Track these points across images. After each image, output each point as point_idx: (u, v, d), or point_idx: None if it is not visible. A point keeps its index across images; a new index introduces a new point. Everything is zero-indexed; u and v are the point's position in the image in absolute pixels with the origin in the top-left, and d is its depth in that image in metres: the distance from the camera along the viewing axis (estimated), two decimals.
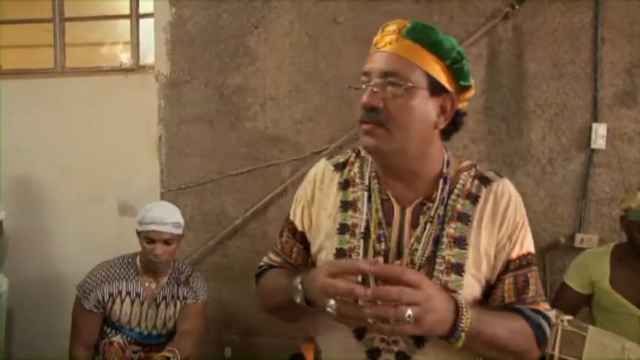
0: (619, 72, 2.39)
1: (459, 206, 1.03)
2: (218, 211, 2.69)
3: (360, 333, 1.02)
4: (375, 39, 1.04)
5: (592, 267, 1.99)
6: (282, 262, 1.17)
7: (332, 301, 0.86)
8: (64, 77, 2.98)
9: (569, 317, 1.66)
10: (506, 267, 1.02)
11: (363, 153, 1.11)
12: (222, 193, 2.68)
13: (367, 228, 1.04)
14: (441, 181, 1.04)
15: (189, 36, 2.65)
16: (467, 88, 1.02)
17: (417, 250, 1.01)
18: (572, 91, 2.42)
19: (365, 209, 1.05)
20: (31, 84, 2.96)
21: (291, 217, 1.16)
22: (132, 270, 2.06)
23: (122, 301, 2.03)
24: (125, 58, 2.98)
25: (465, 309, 0.91)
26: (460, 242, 1.00)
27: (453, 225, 1.01)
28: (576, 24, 2.40)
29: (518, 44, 2.44)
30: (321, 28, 2.56)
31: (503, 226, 1.02)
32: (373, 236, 1.03)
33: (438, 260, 0.99)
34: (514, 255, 1.02)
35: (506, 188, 1.04)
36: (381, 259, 0.89)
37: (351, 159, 1.13)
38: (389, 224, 1.04)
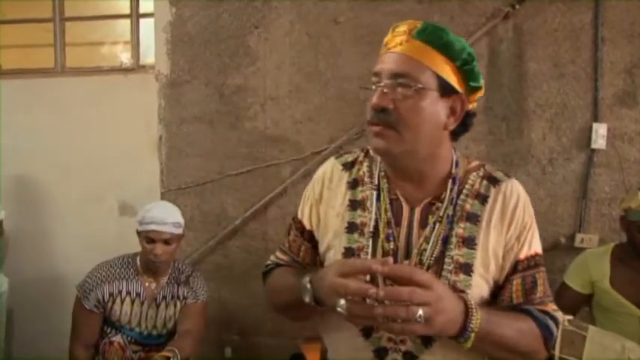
0: (619, 72, 2.39)
1: (467, 206, 1.03)
2: (218, 211, 2.69)
3: (367, 332, 1.01)
4: (386, 39, 1.04)
5: (592, 267, 1.99)
6: (290, 260, 1.17)
7: (342, 301, 0.86)
8: (64, 77, 2.97)
9: (570, 317, 1.66)
10: (515, 268, 1.02)
11: (371, 152, 1.11)
12: (222, 193, 2.68)
13: (376, 227, 1.04)
14: (450, 181, 1.04)
15: (189, 36, 2.65)
16: (477, 89, 1.02)
17: (425, 250, 1.01)
18: (573, 91, 2.42)
19: (374, 208, 1.05)
20: (31, 84, 2.95)
21: (299, 215, 1.16)
22: (132, 270, 2.06)
23: (122, 301, 2.03)
24: (125, 57, 2.98)
25: (474, 309, 0.91)
26: (469, 242, 1.01)
27: (461, 225, 1.02)
28: (576, 24, 2.40)
29: (519, 44, 2.44)
30: (321, 28, 2.56)
31: (511, 226, 1.02)
32: (382, 235, 1.03)
33: (447, 260, 1.00)
34: (522, 256, 1.02)
35: (515, 189, 1.04)
36: (391, 259, 0.89)
37: (360, 158, 1.13)
38: (398, 224, 1.04)
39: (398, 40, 0.99)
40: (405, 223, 1.04)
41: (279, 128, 2.62)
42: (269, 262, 1.21)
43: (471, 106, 1.03)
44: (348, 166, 1.12)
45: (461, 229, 1.01)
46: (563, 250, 2.43)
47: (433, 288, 0.85)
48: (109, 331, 2.06)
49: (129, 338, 2.05)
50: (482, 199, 1.03)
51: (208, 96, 2.66)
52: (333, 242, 1.07)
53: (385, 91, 0.97)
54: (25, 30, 3.12)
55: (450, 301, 0.88)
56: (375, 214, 1.04)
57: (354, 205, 1.07)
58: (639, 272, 1.91)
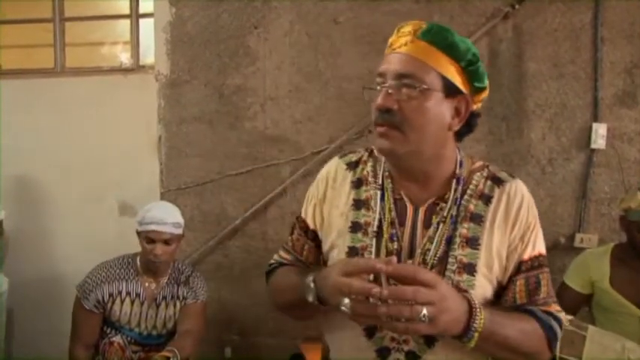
0: (619, 72, 2.39)
1: (471, 206, 1.03)
2: (218, 211, 2.69)
3: (370, 332, 1.02)
4: (390, 40, 1.03)
5: (592, 267, 1.99)
6: (293, 259, 1.17)
7: (346, 300, 0.86)
8: (64, 77, 2.97)
9: (570, 317, 1.66)
10: (518, 268, 1.02)
11: (375, 152, 1.11)
12: (222, 193, 2.68)
13: (380, 227, 1.04)
14: (454, 181, 1.04)
15: (189, 36, 2.65)
16: (482, 89, 1.03)
17: (429, 250, 1.01)
18: (572, 91, 2.42)
19: (378, 208, 1.05)
20: (31, 84, 2.95)
21: (303, 215, 1.16)
22: (132, 270, 2.06)
23: (122, 301, 2.03)
24: (125, 58, 2.98)
25: (478, 309, 0.91)
26: (472, 242, 1.01)
27: (465, 225, 1.02)
28: (576, 24, 2.40)
29: (519, 44, 2.44)
30: (321, 28, 2.56)
31: (515, 226, 1.02)
32: (386, 235, 1.03)
33: (450, 260, 1.00)
34: (526, 256, 1.02)
35: (518, 189, 1.05)
36: (394, 258, 0.89)
37: (364, 158, 1.13)
38: (401, 224, 1.04)
39: (403, 41, 0.99)
40: (408, 223, 1.04)
41: (278, 128, 2.62)
42: (272, 261, 1.21)
43: (475, 107, 1.03)
44: (352, 166, 1.12)
45: (465, 229, 1.01)
46: (562, 250, 2.43)
47: (437, 287, 0.85)
48: (108, 331, 2.06)
49: (129, 338, 2.05)
50: (486, 199, 1.04)
51: (208, 96, 2.66)
52: (336, 241, 1.08)
53: (390, 91, 0.97)
54: (25, 30, 3.12)
55: (454, 301, 0.88)
56: (379, 213, 1.04)
57: (358, 204, 1.07)
58: (639, 272, 1.91)
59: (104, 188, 2.89)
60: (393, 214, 1.04)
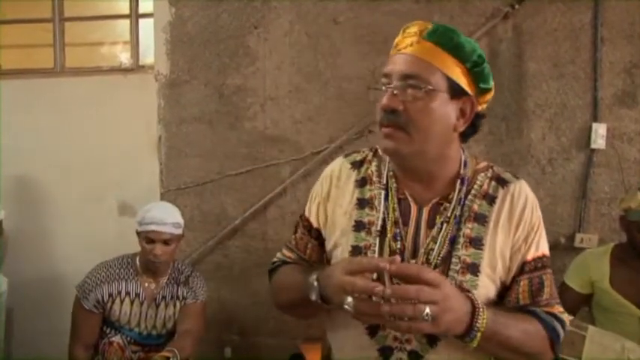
0: (619, 72, 2.39)
1: (475, 207, 1.03)
2: (218, 211, 2.69)
3: (373, 331, 1.02)
4: (396, 40, 1.03)
5: (592, 267, 1.99)
6: (297, 258, 1.17)
7: (349, 299, 0.86)
8: (63, 77, 2.97)
9: (570, 317, 1.66)
10: (522, 269, 1.02)
11: (380, 152, 1.11)
12: (222, 193, 2.68)
13: (383, 226, 1.04)
14: (459, 181, 1.04)
15: (188, 36, 2.65)
16: (487, 90, 1.03)
17: (432, 249, 1.01)
18: (572, 91, 2.42)
19: (382, 207, 1.05)
20: (31, 84, 2.95)
21: (306, 213, 1.16)
22: (131, 270, 2.06)
23: (122, 302, 2.03)
24: (125, 58, 2.98)
25: (481, 309, 0.91)
26: (476, 242, 1.01)
27: (469, 225, 1.02)
28: (576, 24, 2.40)
29: (518, 44, 2.44)
30: (320, 28, 2.56)
31: (519, 227, 1.02)
32: (389, 234, 1.03)
33: (454, 260, 1.00)
34: (529, 257, 1.02)
35: (523, 190, 1.05)
36: (398, 257, 0.89)
37: (369, 157, 1.13)
38: (405, 223, 1.04)
39: (408, 42, 0.99)
40: (412, 222, 1.04)
41: (278, 128, 2.62)
42: (275, 260, 1.21)
43: (480, 108, 1.04)
44: (357, 165, 1.12)
45: (468, 229, 1.01)
46: (562, 250, 2.42)
47: (440, 286, 0.86)
48: (108, 331, 2.06)
49: (128, 338, 2.05)
50: (490, 199, 1.04)
51: (208, 96, 2.66)
52: (340, 240, 1.08)
53: (395, 92, 0.97)
54: (25, 30, 3.12)
55: (457, 300, 0.89)
56: (383, 213, 1.04)
57: (362, 203, 1.07)
58: (639, 272, 1.91)
59: (104, 188, 2.89)
60: (397, 213, 1.04)
